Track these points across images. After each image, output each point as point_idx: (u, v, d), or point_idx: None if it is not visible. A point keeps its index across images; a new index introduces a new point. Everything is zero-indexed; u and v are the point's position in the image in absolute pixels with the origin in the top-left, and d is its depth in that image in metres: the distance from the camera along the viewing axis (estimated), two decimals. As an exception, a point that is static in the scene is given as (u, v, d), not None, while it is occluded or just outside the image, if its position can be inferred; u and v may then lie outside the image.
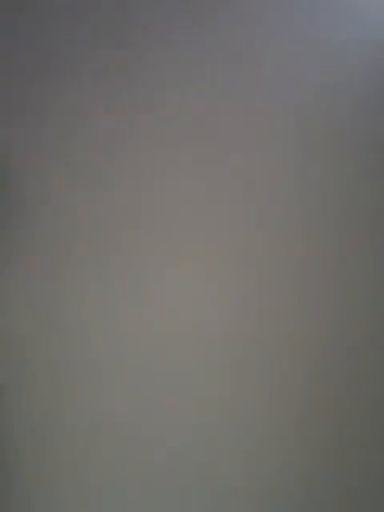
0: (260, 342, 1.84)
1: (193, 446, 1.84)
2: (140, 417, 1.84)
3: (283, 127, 1.86)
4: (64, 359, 1.85)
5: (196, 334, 1.85)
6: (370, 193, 1.85)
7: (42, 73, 1.89)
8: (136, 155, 1.88)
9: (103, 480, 1.84)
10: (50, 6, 1.90)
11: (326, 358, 1.84)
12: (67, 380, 1.85)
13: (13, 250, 1.88)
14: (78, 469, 1.84)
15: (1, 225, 1.88)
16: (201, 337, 1.84)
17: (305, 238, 1.85)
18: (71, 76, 1.89)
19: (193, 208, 1.87)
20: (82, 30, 1.89)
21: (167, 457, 1.84)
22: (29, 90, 1.89)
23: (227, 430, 1.84)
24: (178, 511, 1.83)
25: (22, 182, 1.89)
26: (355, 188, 1.85)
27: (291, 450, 1.83)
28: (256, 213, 1.86)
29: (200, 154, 1.87)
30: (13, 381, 1.86)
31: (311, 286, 1.84)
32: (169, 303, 1.85)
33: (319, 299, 1.84)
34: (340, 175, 1.85)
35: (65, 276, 1.86)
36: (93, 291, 1.86)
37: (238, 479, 1.83)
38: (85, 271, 1.86)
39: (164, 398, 1.84)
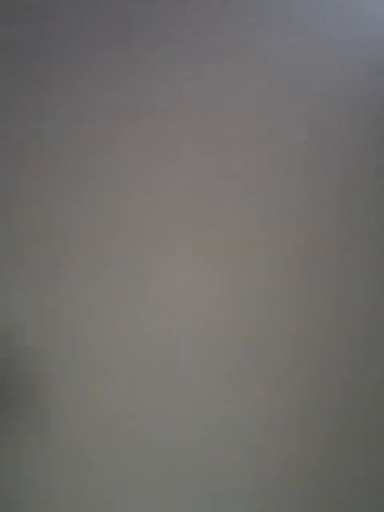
0: (260, 341, 1.84)
1: (192, 446, 1.84)
2: (139, 417, 1.84)
3: (283, 126, 1.86)
4: (62, 359, 1.85)
5: (196, 333, 1.85)
6: (370, 192, 1.85)
7: (41, 72, 1.89)
8: (135, 154, 1.88)
9: (102, 481, 1.84)
10: (50, 6, 1.90)
11: (326, 357, 1.84)
12: (65, 381, 1.85)
13: (12, 250, 1.88)
14: (77, 469, 1.84)
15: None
16: (200, 337, 1.84)
17: (306, 238, 1.85)
18: (71, 76, 1.89)
19: (193, 208, 1.87)
20: (82, 29, 1.89)
21: (167, 457, 1.84)
22: (28, 89, 1.89)
23: (227, 431, 1.84)
24: (177, 511, 1.83)
25: (21, 182, 1.89)
26: (355, 186, 1.85)
27: (292, 451, 1.83)
28: (256, 212, 1.86)
29: (200, 153, 1.87)
30: (12, 380, 1.86)
31: (313, 285, 1.84)
32: (168, 303, 1.85)
33: (320, 299, 1.84)
34: (340, 173, 1.86)
35: (64, 276, 1.86)
36: (92, 291, 1.86)
37: (238, 480, 1.83)
38: (83, 271, 1.86)
39: (163, 397, 1.84)
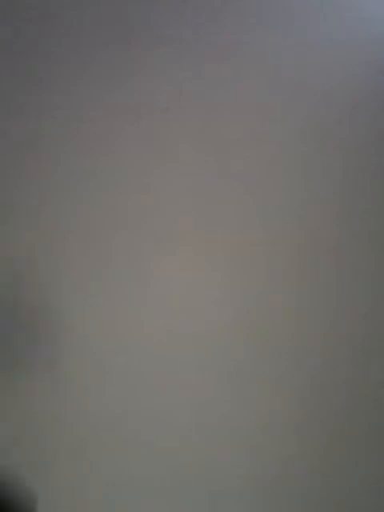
0: (260, 341, 1.84)
1: (192, 446, 1.84)
2: (139, 417, 1.84)
3: (283, 126, 1.86)
4: (62, 359, 1.85)
5: (196, 334, 1.84)
6: (370, 192, 1.85)
7: (41, 72, 1.89)
8: (135, 154, 1.88)
9: (102, 480, 1.84)
10: (50, 6, 1.90)
11: (326, 357, 1.84)
12: (64, 381, 1.85)
13: (11, 250, 1.88)
14: (77, 468, 1.84)
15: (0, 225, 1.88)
16: (200, 337, 1.84)
17: (306, 238, 1.85)
18: (71, 76, 1.89)
19: (193, 208, 1.87)
20: (82, 29, 1.89)
21: (167, 457, 1.84)
22: (28, 89, 1.89)
23: (227, 431, 1.84)
24: (177, 511, 1.83)
25: (21, 182, 1.89)
26: (355, 186, 1.85)
27: (292, 451, 1.83)
28: (256, 212, 1.86)
29: (200, 153, 1.87)
30: (11, 381, 1.86)
31: (313, 285, 1.84)
32: (168, 303, 1.85)
33: (320, 299, 1.84)
34: (340, 173, 1.85)
35: (64, 276, 1.86)
36: (92, 291, 1.86)
37: (238, 480, 1.83)
38: (83, 271, 1.86)
39: (163, 397, 1.84)
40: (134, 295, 1.85)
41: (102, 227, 1.87)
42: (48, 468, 1.84)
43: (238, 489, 1.83)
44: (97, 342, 1.85)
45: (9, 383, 1.86)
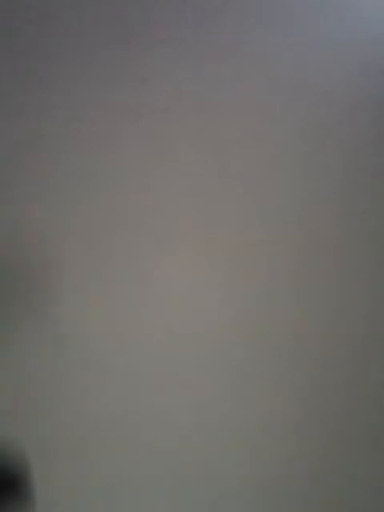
0: (260, 341, 1.84)
1: (192, 446, 1.84)
2: (139, 417, 1.84)
3: (283, 126, 1.86)
4: (62, 359, 1.85)
5: (196, 334, 1.85)
6: (370, 192, 1.86)
7: (41, 72, 1.89)
8: (135, 154, 1.88)
9: (102, 481, 1.84)
10: (50, 6, 1.90)
11: (326, 357, 1.84)
12: (65, 381, 1.85)
13: (12, 249, 1.88)
14: (76, 468, 1.84)
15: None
16: (200, 337, 1.84)
17: (306, 238, 1.85)
18: (71, 76, 1.89)
19: (193, 208, 1.87)
20: (82, 29, 1.89)
21: (167, 457, 1.84)
22: (28, 89, 1.89)
23: (227, 431, 1.84)
24: (177, 511, 1.83)
25: (21, 182, 1.89)
26: (355, 186, 1.85)
27: (292, 451, 1.83)
28: (256, 212, 1.86)
29: (200, 153, 1.87)
30: (12, 381, 1.86)
31: (313, 285, 1.84)
32: (168, 303, 1.85)
33: (320, 299, 1.84)
34: (340, 173, 1.86)
35: (64, 276, 1.86)
36: (92, 291, 1.86)
37: (238, 480, 1.83)
38: (84, 271, 1.86)
39: (163, 397, 1.84)
40: (134, 295, 1.85)
41: (102, 227, 1.87)
42: (48, 468, 1.84)
43: (238, 489, 1.83)
44: (97, 342, 1.85)
45: (9, 383, 1.86)
